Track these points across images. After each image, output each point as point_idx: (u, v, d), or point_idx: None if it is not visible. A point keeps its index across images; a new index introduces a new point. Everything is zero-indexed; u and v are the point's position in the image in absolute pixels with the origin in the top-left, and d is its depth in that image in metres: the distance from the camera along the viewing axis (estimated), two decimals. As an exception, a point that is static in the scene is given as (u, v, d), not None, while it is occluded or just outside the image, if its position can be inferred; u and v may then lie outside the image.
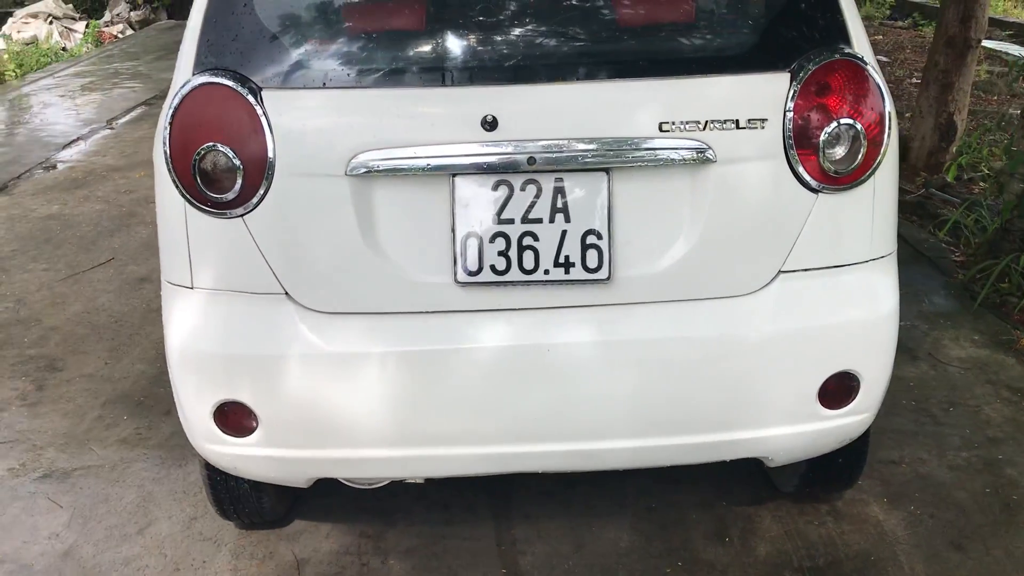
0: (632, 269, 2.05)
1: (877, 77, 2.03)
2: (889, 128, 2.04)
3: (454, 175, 1.98)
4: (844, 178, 2.03)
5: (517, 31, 2.02)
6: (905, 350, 3.50)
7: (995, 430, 2.99)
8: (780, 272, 2.08)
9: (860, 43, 2.07)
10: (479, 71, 1.98)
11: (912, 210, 5.02)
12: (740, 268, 2.07)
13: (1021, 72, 4.18)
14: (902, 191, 5.09)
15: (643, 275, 2.05)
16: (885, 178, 2.10)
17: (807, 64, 1.99)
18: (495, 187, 2.00)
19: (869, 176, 2.05)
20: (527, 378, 2.05)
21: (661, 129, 1.98)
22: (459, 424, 2.08)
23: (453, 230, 2.00)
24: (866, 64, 2.02)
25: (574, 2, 2.05)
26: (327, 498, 2.66)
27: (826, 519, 2.59)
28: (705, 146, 1.98)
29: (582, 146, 1.97)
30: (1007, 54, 8.54)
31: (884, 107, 2.03)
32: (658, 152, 1.98)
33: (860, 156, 2.02)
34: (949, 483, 2.74)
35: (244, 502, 2.44)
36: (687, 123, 1.98)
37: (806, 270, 2.09)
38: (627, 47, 2.05)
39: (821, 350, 2.11)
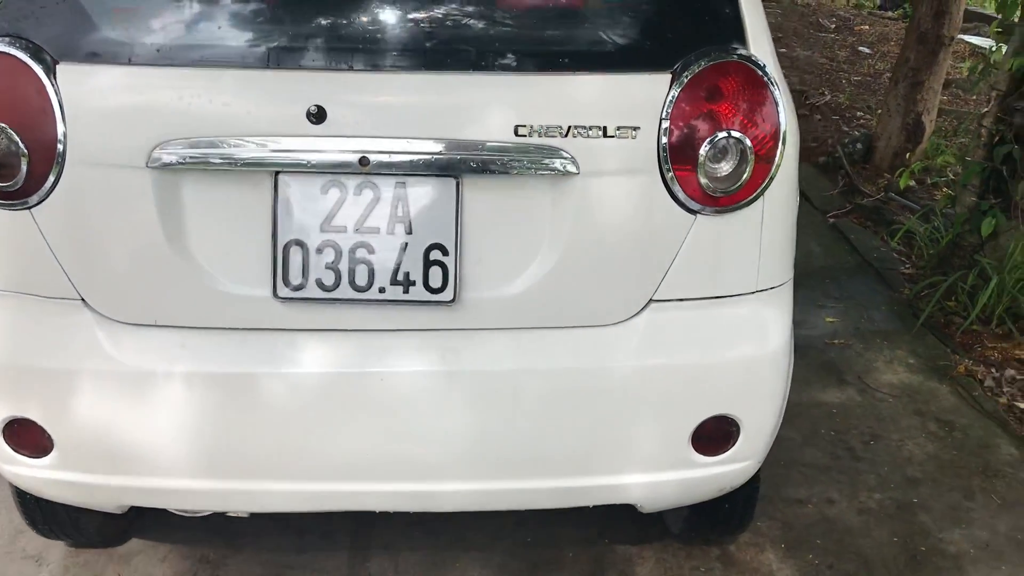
0: (482, 291, 1.79)
1: (774, 85, 1.76)
2: (783, 144, 1.78)
3: (277, 172, 1.71)
4: (727, 199, 1.78)
5: (356, 9, 1.74)
6: (834, 372, 3.26)
7: (915, 469, 2.76)
8: (652, 301, 1.83)
9: (759, 44, 1.80)
10: (307, 53, 1.70)
11: (868, 215, 4.77)
12: (605, 295, 1.82)
13: (986, 72, 3.89)
14: (860, 193, 4.85)
15: (495, 298, 1.79)
16: (778, 200, 1.84)
17: (691, 65, 1.73)
18: (324, 189, 1.73)
19: (757, 197, 1.80)
20: (356, 409, 1.80)
21: (517, 133, 1.71)
22: (278, 457, 1.83)
23: (274, 236, 1.74)
24: (761, 69, 1.75)
25: None
26: (172, 515, 2.41)
27: (714, 565, 2.36)
28: (566, 155, 1.72)
29: (426, 147, 1.70)
30: (989, 50, 8.25)
31: (779, 119, 1.77)
32: (511, 160, 1.72)
33: (746, 174, 1.76)
34: (856, 529, 2.50)
35: (60, 523, 2.19)
36: (547, 128, 1.71)
37: (681, 300, 1.84)
38: (482, 35, 1.76)
39: (695, 391, 1.86)
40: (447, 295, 1.76)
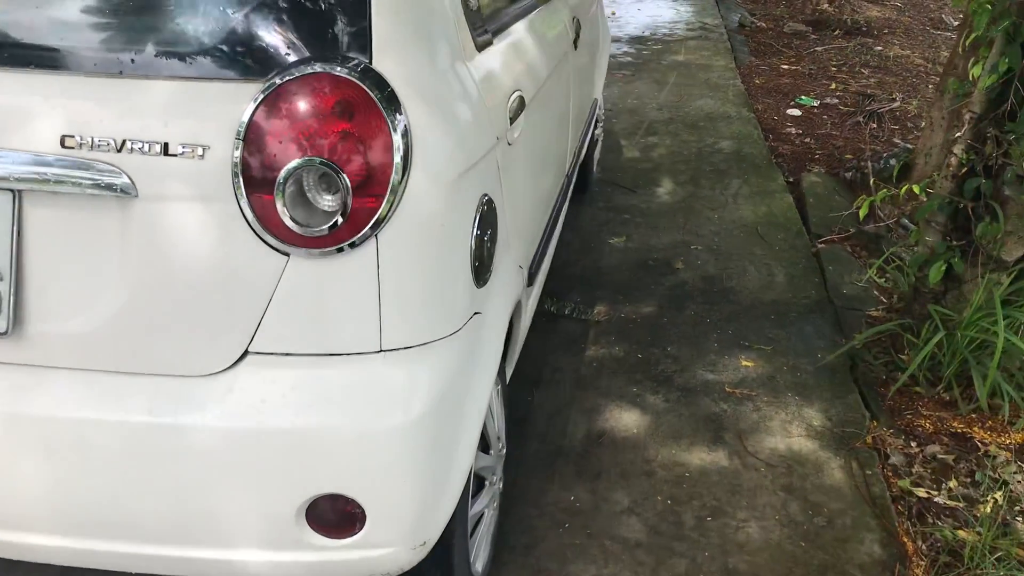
0: (47, 323, 1.55)
1: (390, 106, 1.44)
2: (403, 178, 1.46)
3: None
4: (319, 240, 1.46)
5: None
6: (713, 428, 2.83)
7: (741, 559, 2.33)
8: (248, 353, 1.54)
9: (388, 56, 1.48)
10: None
11: (867, 243, 4.20)
12: (189, 341, 1.54)
13: (962, 90, 3.30)
14: (876, 218, 4.29)
15: (62, 333, 1.55)
16: (408, 243, 1.51)
17: (277, 77, 1.42)
18: None
19: (365, 239, 1.47)
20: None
21: (64, 145, 1.46)
22: None
23: None
24: (371, 86, 1.42)
25: None
26: None
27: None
28: (119, 174, 1.44)
29: (-31, 156, 1.47)
30: None
31: (391, 144, 1.44)
32: (57, 175, 1.46)
33: (344, 211, 1.44)
34: (625, 626, 2.12)
35: None
36: (99, 140, 1.45)
37: (285, 355, 1.54)
38: (38, 24, 1.51)
39: (298, 463, 1.56)
40: (1, 326, 1.53)
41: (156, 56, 1.47)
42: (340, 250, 1.47)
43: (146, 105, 1.46)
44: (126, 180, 1.45)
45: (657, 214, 4.45)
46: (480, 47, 1.82)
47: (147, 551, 1.65)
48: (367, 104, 1.43)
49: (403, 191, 1.48)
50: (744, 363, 3.21)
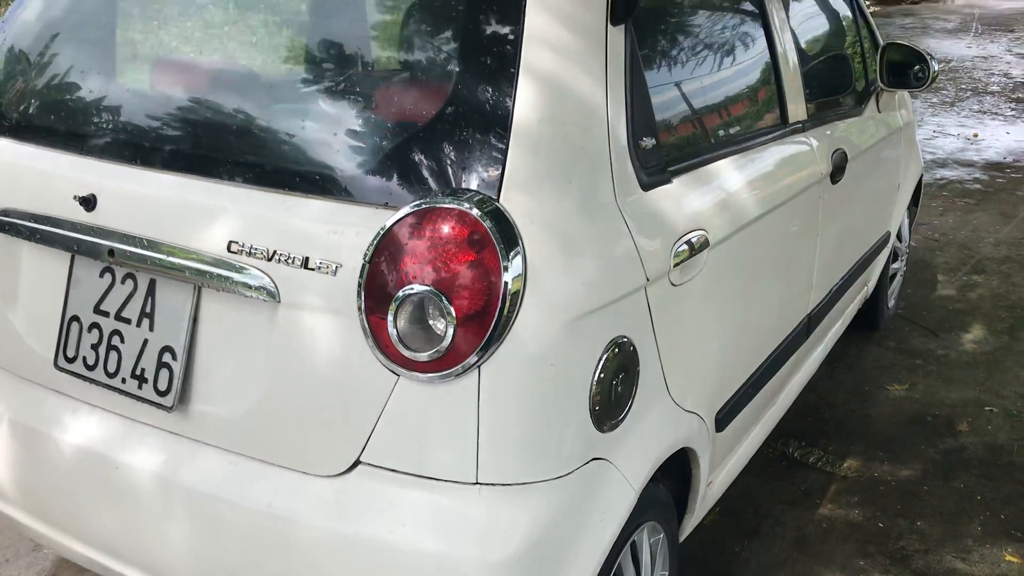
0: (205, 404, 1.74)
1: (503, 243, 1.47)
2: (511, 312, 1.47)
3: (75, 253, 1.84)
4: (425, 364, 1.49)
5: (130, 101, 1.82)
6: None
7: None
8: (359, 463, 1.60)
9: (518, 193, 1.51)
10: (88, 140, 1.83)
11: None
12: (312, 441, 1.64)
13: None
14: None
15: (216, 415, 1.73)
16: (510, 376, 1.51)
17: (413, 206, 1.50)
18: (102, 274, 1.83)
19: (468, 369, 1.48)
20: (93, 485, 1.85)
21: (229, 249, 1.64)
22: (33, 501, 1.95)
23: (64, 309, 1.87)
24: (487, 219, 1.45)
25: (184, 88, 1.79)
26: None
27: None
28: (268, 281, 1.60)
29: (166, 250, 1.72)
30: None
31: (500, 281, 1.45)
32: (223, 276, 1.65)
33: (449, 339, 1.47)
34: None
35: None
36: (256, 248, 1.62)
37: (391, 471, 1.58)
38: (224, 142, 1.72)
39: (382, 572, 1.58)
40: (169, 400, 1.74)
41: (313, 177, 1.61)
42: (443, 377, 1.49)
43: (297, 220, 1.59)
44: (271, 286, 1.59)
45: (955, 364, 3.96)
46: (649, 186, 1.77)
47: None
48: (483, 240, 1.45)
49: (511, 327, 1.47)
50: (1008, 558, 2.73)
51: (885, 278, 4.00)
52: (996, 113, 9.08)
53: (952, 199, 6.32)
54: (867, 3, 18.91)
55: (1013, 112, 9.10)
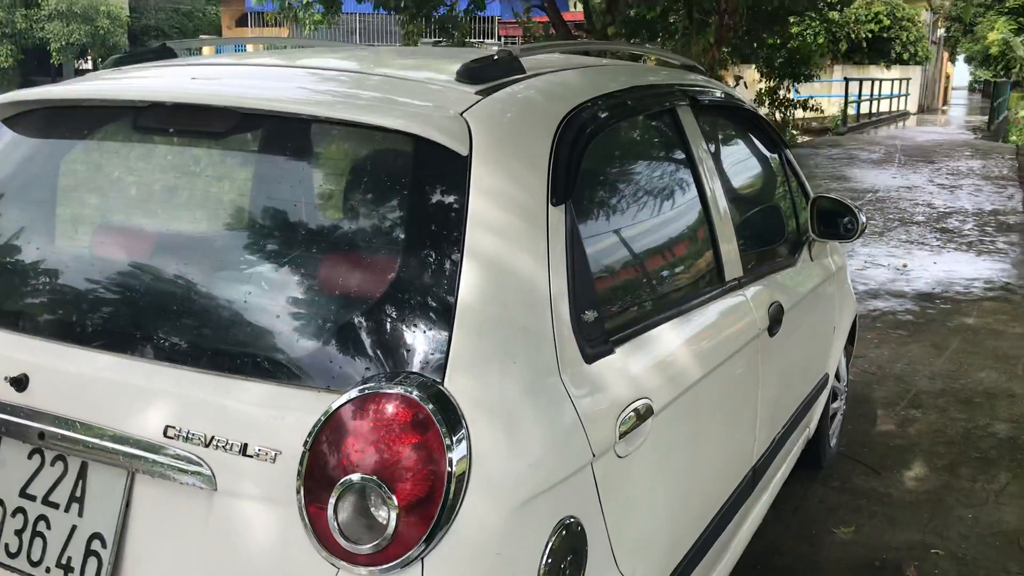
0: (135, 594, 1.65)
1: (446, 426, 1.45)
2: (450, 501, 1.43)
3: (2, 434, 1.78)
4: (369, 557, 1.45)
5: (66, 277, 1.81)
6: None
7: None
8: (301, 660, 1.53)
9: (462, 375, 1.50)
10: (21, 317, 1.79)
11: None
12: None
13: None
14: None
15: (146, 606, 1.64)
16: (451, 570, 1.46)
17: (354, 390, 1.48)
18: (30, 455, 1.76)
19: (412, 562, 1.45)
20: None
21: (166, 434, 1.60)
22: None
23: (-11, 493, 1.79)
24: (429, 404, 1.44)
25: (120, 269, 1.78)
26: None
27: None
28: (205, 467, 1.55)
29: (99, 433, 1.67)
30: None
31: (444, 469, 1.43)
32: (158, 461, 1.60)
33: (392, 528, 1.43)
34: None
35: None
36: (193, 434, 1.58)
37: (331, 667, 1.51)
38: (162, 322, 1.70)
39: None
40: (95, 591, 1.65)
41: (254, 359, 1.59)
42: (386, 572, 1.45)
43: (237, 404, 1.57)
44: (208, 473, 1.54)
45: (898, 504, 3.98)
46: (592, 358, 1.78)
47: None
48: (425, 426, 1.44)
49: (456, 514, 1.44)
50: None
51: (826, 419, 4.04)
52: (923, 243, 9.45)
53: (886, 331, 6.48)
54: (796, 133, 19.81)
55: (938, 242, 9.48)
